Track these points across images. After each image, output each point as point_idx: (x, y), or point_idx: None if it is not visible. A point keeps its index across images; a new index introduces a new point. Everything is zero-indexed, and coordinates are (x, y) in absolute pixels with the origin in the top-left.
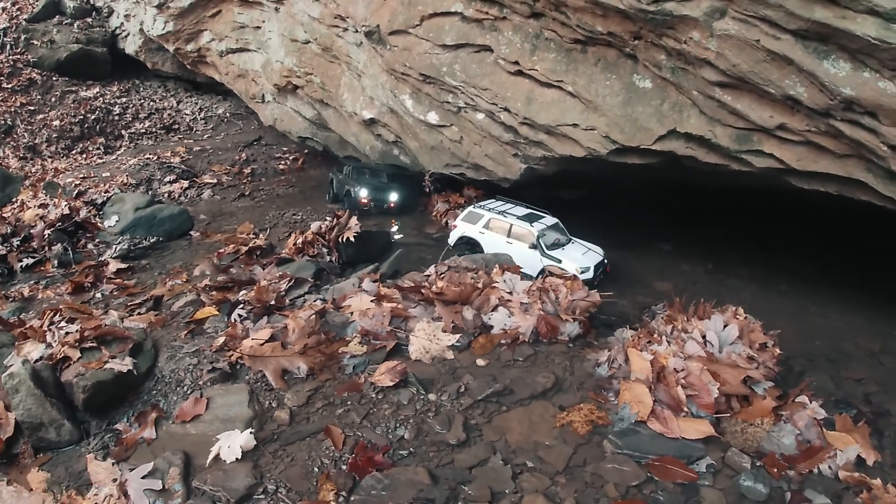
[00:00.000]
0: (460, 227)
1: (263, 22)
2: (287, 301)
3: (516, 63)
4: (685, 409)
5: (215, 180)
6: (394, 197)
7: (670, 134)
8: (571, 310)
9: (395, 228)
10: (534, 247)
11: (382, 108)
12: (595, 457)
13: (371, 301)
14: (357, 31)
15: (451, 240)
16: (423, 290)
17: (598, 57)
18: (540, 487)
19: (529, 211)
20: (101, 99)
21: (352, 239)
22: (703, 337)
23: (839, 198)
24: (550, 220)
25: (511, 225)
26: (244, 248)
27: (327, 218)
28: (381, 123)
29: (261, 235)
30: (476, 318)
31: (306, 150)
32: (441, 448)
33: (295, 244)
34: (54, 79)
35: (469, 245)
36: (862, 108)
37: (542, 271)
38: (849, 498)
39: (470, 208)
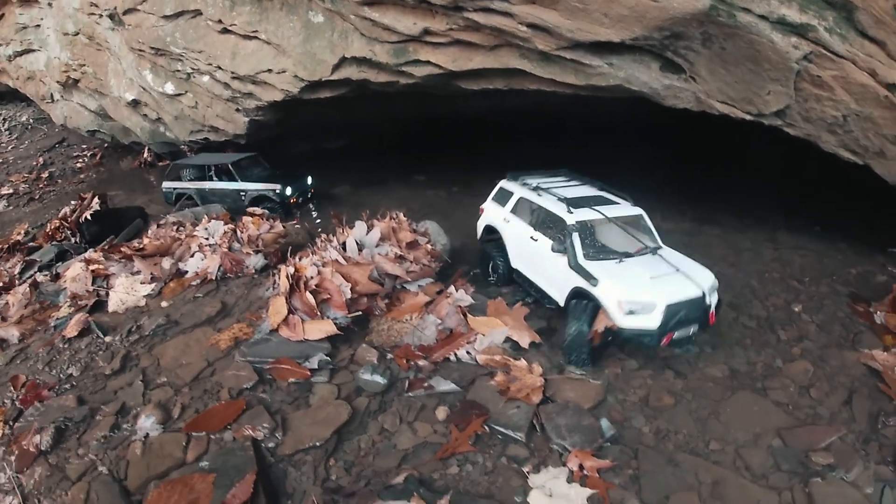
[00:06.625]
0: (487, 212)
1: (42, 19)
2: (17, 282)
3: (220, 21)
4: (318, 312)
5: (12, 190)
6: (289, 191)
7: (342, 61)
8: (255, 244)
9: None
10: (560, 251)
11: (140, 88)
12: (223, 367)
13: (81, 268)
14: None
15: (479, 231)
16: (122, 249)
17: (283, 1)
18: (163, 398)
19: (595, 193)
20: None
21: (89, 218)
22: (343, 244)
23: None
24: (621, 208)
25: (539, 209)
26: (5, 246)
27: (72, 202)
28: (143, 103)
29: (20, 231)
30: (173, 266)
31: (106, 145)
32: (99, 378)
33: (46, 232)
34: None
35: (493, 239)
36: None
37: (574, 295)
38: (482, 381)
39: (502, 182)
